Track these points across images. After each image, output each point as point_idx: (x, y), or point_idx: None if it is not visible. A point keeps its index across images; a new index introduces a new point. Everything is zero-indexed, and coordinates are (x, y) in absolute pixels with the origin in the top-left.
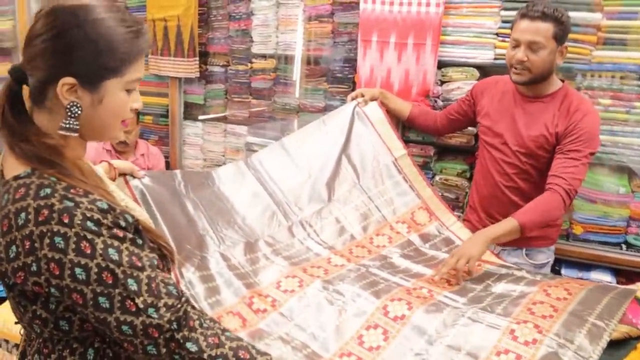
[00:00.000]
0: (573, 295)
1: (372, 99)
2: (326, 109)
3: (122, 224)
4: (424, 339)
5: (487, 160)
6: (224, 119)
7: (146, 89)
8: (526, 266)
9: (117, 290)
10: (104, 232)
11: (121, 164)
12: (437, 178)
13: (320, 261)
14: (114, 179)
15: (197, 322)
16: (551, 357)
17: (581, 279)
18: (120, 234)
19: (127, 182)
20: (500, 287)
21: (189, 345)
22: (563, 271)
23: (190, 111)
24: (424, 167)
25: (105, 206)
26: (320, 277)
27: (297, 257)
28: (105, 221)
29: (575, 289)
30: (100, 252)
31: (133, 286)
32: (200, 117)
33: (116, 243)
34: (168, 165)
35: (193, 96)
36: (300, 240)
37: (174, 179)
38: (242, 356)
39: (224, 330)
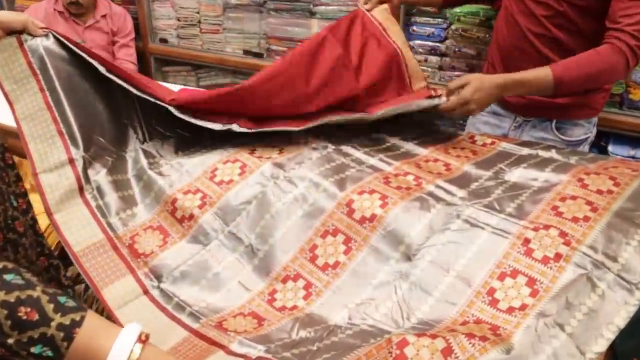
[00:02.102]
0: (621, 186)
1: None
2: None
3: None
4: (400, 252)
5: None
6: None
7: None
8: (557, 144)
9: None
10: None
11: (9, 15)
12: (452, 28)
13: (278, 139)
14: None
15: None
16: (580, 284)
17: (634, 159)
18: None
19: (21, 44)
20: (516, 174)
21: None
22: (611, 148)
23: None
24: (436, 15)
25: None
26: (271, 158)
27: (249, 140)
28: None
29: (626, 177)
30: None
31: None
32: None
33: None
34: (137, 28)
35: None
36: None
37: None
38: (23, 315)
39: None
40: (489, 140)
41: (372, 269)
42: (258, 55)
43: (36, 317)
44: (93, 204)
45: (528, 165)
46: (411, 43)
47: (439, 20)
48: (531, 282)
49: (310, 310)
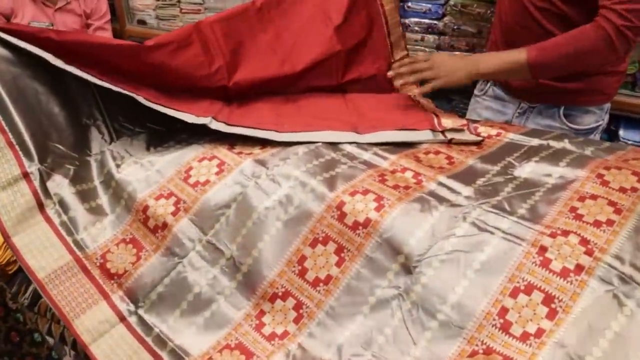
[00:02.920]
0: None
1: None
2: None
3: None
4: (398, 263)
5: None
6: None
7: None
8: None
9: None
10: None
11: None
12: (451, 3)
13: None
14: None
15: None
16: (605, 302)
17: None
18: None
19: None
20: (527, 169)
21: None
22: (622, 133)
23: None
24: None
25: None
26: (253, 154)
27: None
28: None
29: None
30: None
31: None
32: None
33: None
34: (113, 10)
35: None
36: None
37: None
38: None
39: None
40: (494, 131)
41: (368, 285)
42: None
43: None
44: (56, 220)
45: (540, 158)
46: (406, 21)
47: None
48: (548, 299)
49: (302, 339)
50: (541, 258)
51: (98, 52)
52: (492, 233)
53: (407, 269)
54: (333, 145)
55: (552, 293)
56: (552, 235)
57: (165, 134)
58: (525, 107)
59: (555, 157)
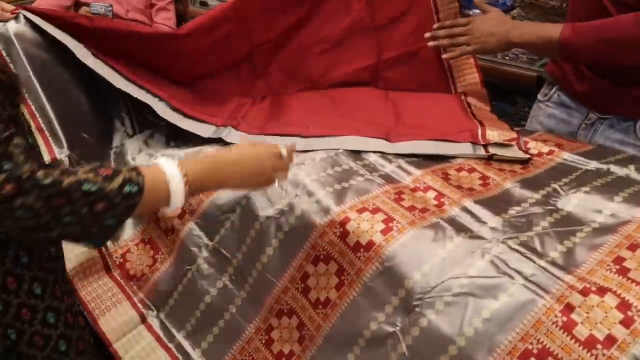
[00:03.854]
0: None
1: None
2: None
3: None
4: (399, 298)
5: None
6: None
7: None
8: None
9: None
10: None
11: None
12: None
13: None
14: None
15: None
16: None
17: None
18: None
19: None
20: (574, 201)
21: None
22: None
23: None
24: None
25: None
26: None
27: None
28: None
29: None
30: None
31: None
32: None
33: None
34: None
35: None
36: None
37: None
38: (104, 173)
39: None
40: (546, 149)
41: (365, 317)
42: None
43: (111, 172)
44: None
45: (593, 188)
46: (471, 12)
47: None
48: None
49: None
50: (565, 319)
51: (130, 42)
52: (512, 278)
53: (407, 306)
54: (355, 153)
55: None
56: (585, 292)
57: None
58: (594, 118)
59: (612, 188)
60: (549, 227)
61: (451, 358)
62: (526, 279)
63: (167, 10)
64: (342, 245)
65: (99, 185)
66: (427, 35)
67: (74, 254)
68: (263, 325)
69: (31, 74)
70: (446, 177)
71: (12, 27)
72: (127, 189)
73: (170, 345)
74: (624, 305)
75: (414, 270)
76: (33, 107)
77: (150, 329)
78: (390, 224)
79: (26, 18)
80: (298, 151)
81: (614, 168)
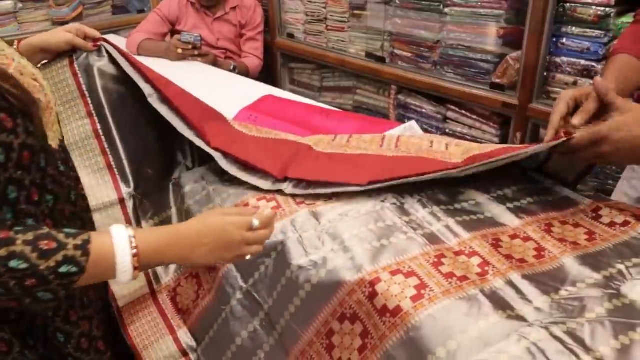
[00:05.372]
0: None
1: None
2: None
3: None
4: None
5: None
6: None
7: None
8: None
9: None
10: None
11: (52, 38)
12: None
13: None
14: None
15: None
16: None
17: None
18: None
19: (71, 63)
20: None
21: None
22: None
23: None
24: (594, 25)
25: None
26: (314, 204)
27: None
28: None
29: None
30: None
31: None
32: None
33: None
34: (267, 22)
35: None
36: None
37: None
38: (44, 247)
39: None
40: (620, 219)
41: None
42: (380, 60)
43: (54, 245)
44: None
45: None
46: (558, 60)
47: (598, 32)
48: None
49: None
50: None
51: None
52: None
53: None
54: (403, 208)
55: None
56: None
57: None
58: None
59: None
60: (605, 316)
61: None
62: None
63: (255, 40)
64: (369, 306)
65: (32, 262)
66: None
67: (128, 290)
68: None
69: (106, 110)
70: (496, 244)
71: (96, 62)
72: (64, 268)
73: None
74: None
75: (439, 346)
76: (105, 144)
77: None
78: (422, 291)
79: (107, 51)
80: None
81: None
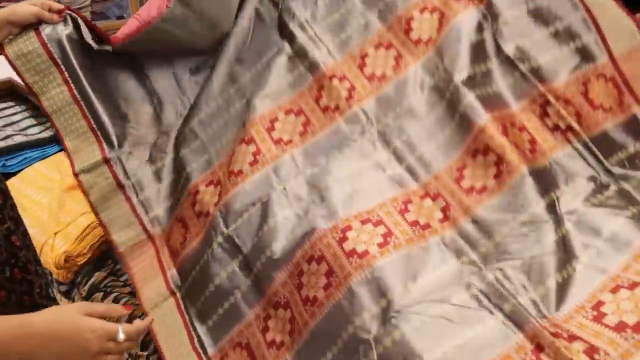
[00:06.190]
0: None
1: None
2: None
3: None
4: (379, 306)
5: None
6: None
7: None
8: None
9: None
10: None
11: (19, 10)
12: None
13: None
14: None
15: None
16: None
17: None
18: None
19: (38, 34)
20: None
21: None
22: None
23: None
24: None
25: None
26: (292, 142)
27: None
28: None
29: None
30: None
31: None
32: None
33: None
34: None
35: None
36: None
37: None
38: None
39: None
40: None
41: (344, 319)
42: None
43: None
44: (134, 200)
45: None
46: None
47: None
48: None
49: (292, 355)
50: (534, 357)
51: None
52: (491, 313)
53: (385, 316)
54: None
55: None
56: (556, 335)
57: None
58: None
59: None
60: (541, 255)
61: None
62: (505, 314)
63: None
64: (337, 249)
65: None
66: None
67: (126, 236)
68: (262, 313)
69: (80, 75)
70: (458, 177)
71: (62, 29)
72: None
73: (186, 317)
74: (592, 350)
75: (400, 286)
76: (85, 108)
77: (177, 302)
78: (388, 239)
79: (72, 19)
80: None
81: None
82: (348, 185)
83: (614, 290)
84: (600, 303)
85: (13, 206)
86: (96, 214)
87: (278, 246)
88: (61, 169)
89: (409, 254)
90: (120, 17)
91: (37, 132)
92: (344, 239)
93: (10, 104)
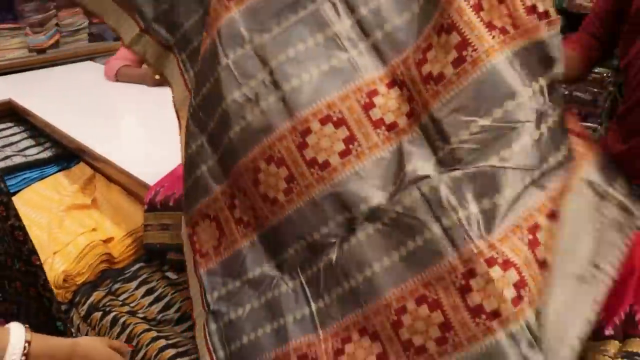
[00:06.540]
0: None
1: None
2: None
3: None
4: (344, 217)
5: None
6: None
7: None
8: None
9: None
10: None
11: None
12: None
13: None
14: None
15: None
16: None
17: None
18: None
19: None
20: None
21: None
22: None
23: None
24: None
25: None
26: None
27: None
28: None
29: None
30: None
31: None
32: None
33: None
34: None
35: None
36: None
37: None
38: None
39: None
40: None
41: (309, 225)
42: None
43: None
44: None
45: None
46: None
47: None
48: (445, 327)
49: (255, 238)
50: (464, 282)
51: None
52: (434, 221)
53: (350, 226)
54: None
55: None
56: (490, 262)
57: None
58: None
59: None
60: (487, 166)
61: (363, 278)
62: (443, 229)
63: None
64: (297, 155)
65: None
66: None
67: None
68: (228, 190)
69: None
70: (420, 58)
71: None
72: None
73: None
74: (521, 282)
75: (362, 203)
76: None
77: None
78: (351, 146)
79: None
80: None
81: None
82: (303, 66)
83: (551, 215)
84: (536, 226)
85: (12, 204)
86: (160, 74)
87: (233, 134)
88: (60, 188)
89: (373, 164)
90: (117, 39)
91: (35, 153)
92: (304, 144)
93: (9, 124)
